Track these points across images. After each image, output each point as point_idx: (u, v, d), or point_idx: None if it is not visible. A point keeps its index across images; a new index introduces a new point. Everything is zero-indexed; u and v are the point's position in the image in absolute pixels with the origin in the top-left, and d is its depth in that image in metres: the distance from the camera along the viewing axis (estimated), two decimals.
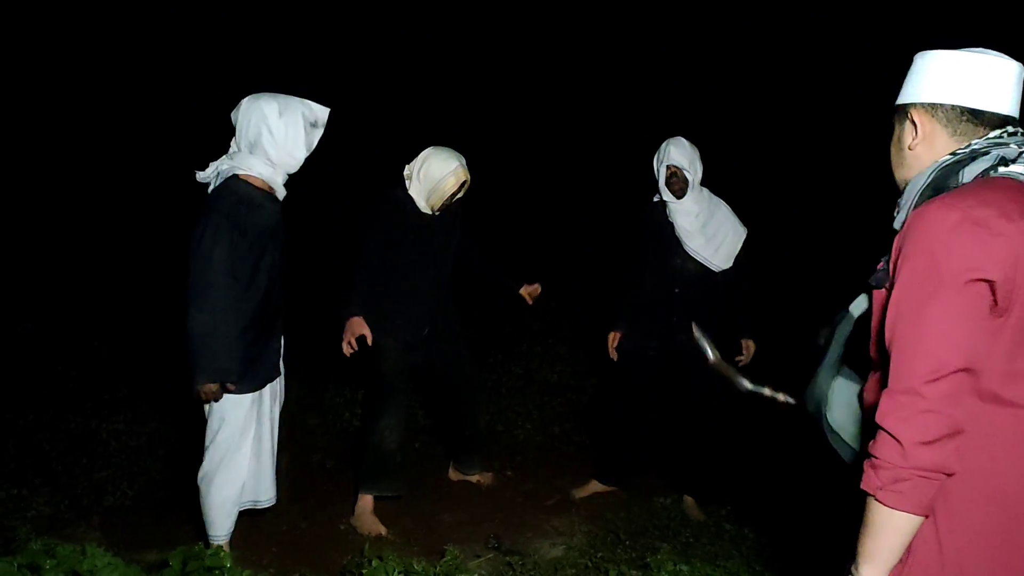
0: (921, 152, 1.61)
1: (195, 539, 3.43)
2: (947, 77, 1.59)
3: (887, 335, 1.47)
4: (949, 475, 1.41)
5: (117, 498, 4.10)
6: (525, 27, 10.00)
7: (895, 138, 1.68)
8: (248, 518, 3.76)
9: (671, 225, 3.94)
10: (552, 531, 4.00)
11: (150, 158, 8.36)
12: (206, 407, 3.26)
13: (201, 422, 3.35)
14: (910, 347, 1.41)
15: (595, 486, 4.31)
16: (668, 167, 3.87)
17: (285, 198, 3.24)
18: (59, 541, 2.78)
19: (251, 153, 3.07)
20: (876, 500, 1.42)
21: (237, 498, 3.32)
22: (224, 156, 3.15)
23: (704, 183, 4.01)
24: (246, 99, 3.10)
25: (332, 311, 3.88)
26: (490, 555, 3.69)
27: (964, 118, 1.58)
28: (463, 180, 3.82)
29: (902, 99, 1.66)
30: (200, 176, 3.17)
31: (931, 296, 1.41)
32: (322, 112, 3.17)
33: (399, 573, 2.97)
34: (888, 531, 1.43)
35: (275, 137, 3.03)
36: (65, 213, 8.10)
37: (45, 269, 7.22)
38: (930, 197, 1.53)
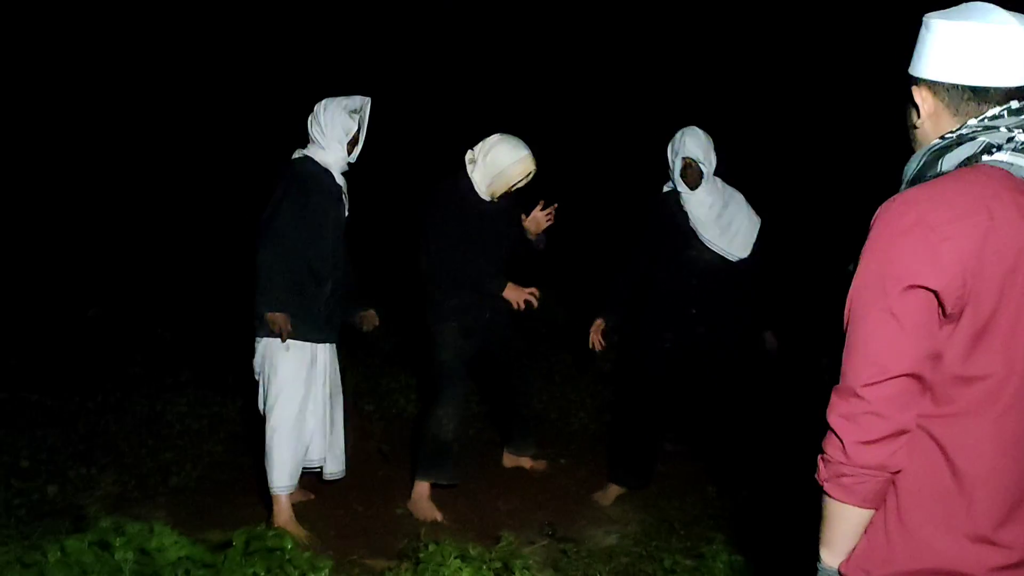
0: (929, 130, 1.53)
1: (258, 519, 3.52)
2: (947, 52, 1.47)
3: (845, 329, 1.45)
4: (894, 472, 1.41)
5: (181, 479, 4.21)
6: (537, 24, 9.99)
7: (907, 114, 1.59)
8: (305, 505, 3.86)
9: (685, 215, 3.91)
10: (606, 519, 4.01)
11: (214, 157, 8.56)
12: (261, 373, 3.69)
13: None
14: (856, 348, 1.41)
15: (615, 490, 4.23)
16: (684, 159, 3.84)
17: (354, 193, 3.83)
18: (128, 519, 2.87)
19: (312, 143, 3.75)
20: (824, 492, 1.46)
21: (296, 453, 3.68)
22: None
23: (724, 176, 3.98)
24: None
25: (482, 291, 3.91)
26: (544, 542, 3.72)
27: (966, 96, 1.47)
28: (531, 170, 3.84)
29: (910, 70, 1.56)
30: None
31: (874, 300, 1.39)
32: (358, 100, 3.77)
33: (455, 558, 3.01)
34: (838, 520, 1.46)
35: (323, 128, 3.70)
36: (132, 205, 8.32)
37: (111, 257, 7.44)
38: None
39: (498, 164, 3.80)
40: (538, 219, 4.04)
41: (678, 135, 3.89)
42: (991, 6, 1.46)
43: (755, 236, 3.93)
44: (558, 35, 10.06)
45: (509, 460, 4.54)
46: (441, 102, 9.52)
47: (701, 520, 3.93)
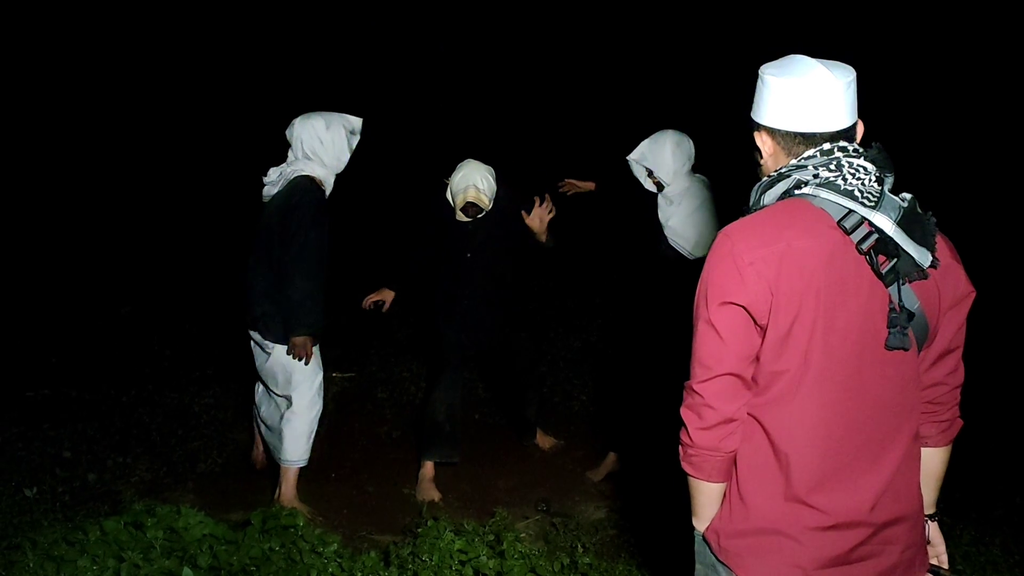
0: (770, 166, 1.79)
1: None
2: (780, 104, 1.71)
3: None
4: (730, 452, 1.72)
5: (208, 465, 4.57)
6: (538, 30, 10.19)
7: (753, 153, 1.85)
8: (320, 485, 4.20)
9: (655, 212, 4.03)
10: (598, 495, 4.32)
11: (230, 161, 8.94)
12: (281, 372, 3.88)
13: None
14: (693, 352, 1.72)
15: (607, 465, 4.50)
16: (644, 166, 3.97)
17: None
18: (159, 503, 3.23)
19: (310, 160, 3.76)
20: (683, 470, 1.77)
21: (311, 429, 3.98)
22: (284, 164, 3.84)
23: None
24: (297, 119, 3.80)
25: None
26: (537, 516, 4.04)
27: (798, 140, 1.72)
28: (470, 201, 4.04)
29: (752, 116, 1.80)
30: (266, 179, 3.85)
31: (701, 313, 1.70)
32: (357, 122, 3.88)
33: (450, 531, 3.33)
34: (696, 493, 1.80)
35: (325, 146, 3.75)
36: (160, 207, 8.70)
37: (142, 257, 7.81)
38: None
39: (454, 189, 4.09)
40: (539, 216, 4.12)
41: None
42: (813, 61, 1.71)
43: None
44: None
45: (544, 441, 4.86)
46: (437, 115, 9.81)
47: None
